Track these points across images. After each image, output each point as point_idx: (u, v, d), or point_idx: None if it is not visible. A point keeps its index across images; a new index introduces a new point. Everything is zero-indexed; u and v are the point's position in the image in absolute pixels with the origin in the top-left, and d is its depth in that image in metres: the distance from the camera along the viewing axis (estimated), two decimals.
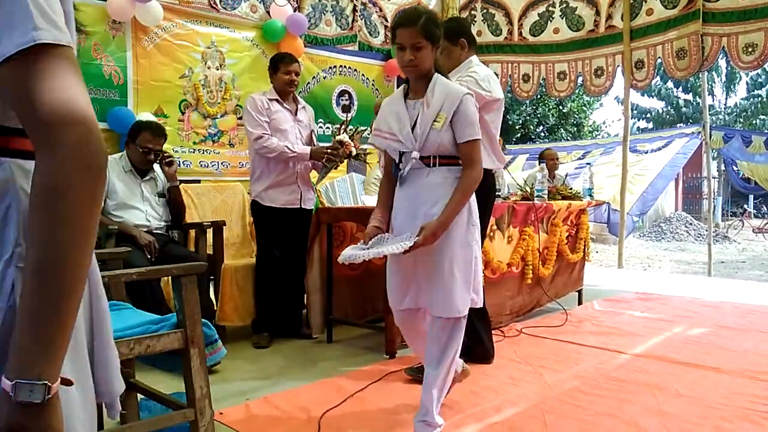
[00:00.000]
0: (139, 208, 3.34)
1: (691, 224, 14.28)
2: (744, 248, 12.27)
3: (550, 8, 6.66)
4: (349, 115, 5.48)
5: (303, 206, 3.56)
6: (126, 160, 3.37)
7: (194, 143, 4.66)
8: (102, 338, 0.84)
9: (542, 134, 21.49)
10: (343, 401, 2.50)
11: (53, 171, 0.63)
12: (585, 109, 21.73)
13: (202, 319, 1.81)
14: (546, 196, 4.07)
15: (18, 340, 0.63)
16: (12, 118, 0.70)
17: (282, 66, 3.51)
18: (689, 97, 24.10)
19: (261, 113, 3.42)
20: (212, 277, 3.55)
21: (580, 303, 4.66)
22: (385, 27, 6.03)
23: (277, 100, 3.52)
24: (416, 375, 2.69)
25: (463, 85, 2.29)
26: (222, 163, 4.82)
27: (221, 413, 2.34)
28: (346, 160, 3.74)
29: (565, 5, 6.57)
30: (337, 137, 3.58)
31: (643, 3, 6.15)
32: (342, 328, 3.67)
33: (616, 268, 7.12)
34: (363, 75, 5.91)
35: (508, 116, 19.84)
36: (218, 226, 3.58)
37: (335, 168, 3.67)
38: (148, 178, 3.43)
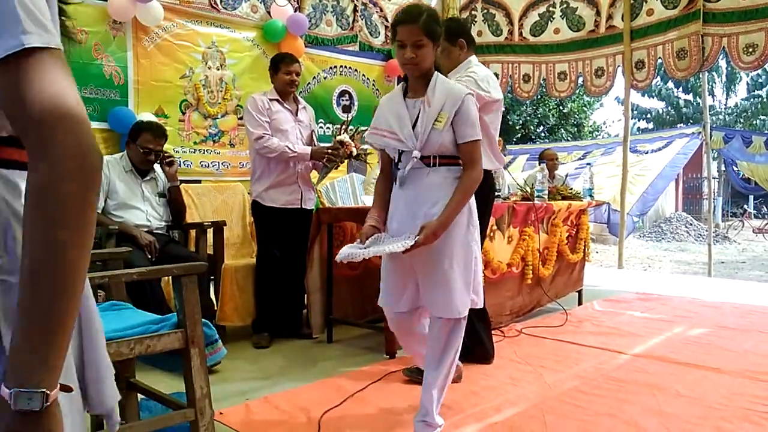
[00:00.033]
0: (140, 208, 3.34)
1: (691, 224, 14.28)
2: (744, 249, 12.27)
3: (551, 8, 6.66)
4: (350, 115, 5.49)
5: (303, 206, 3.56)
6: (126, 160, 3.38)
7: (195, 143, 4.66)
8: (90, 338, 0.81)
9: (543, 134, 21.50)
10: (343, 401, 2.50)
11: (45, 170, 0.61)
12: (585, 109, 21.73)
13: (203, 319, 1.81)
14: (546, 197, 4.07)
15: (15, 347, 0.62)
16: None
17: (282, 66, 3.51)
18: (689, 97, 24.11)
19: (262, 113, 3.43)
20: (213, 277, 3.55)
21: (580, 303, 4.66)
22: (386, 27, 6.03)
23: (277, 101, 3.52)
24: (414, 376, 2.70)
25: (462, 85, 2.28)
26: (222, 163, 4.82)
27: (221, 413, 2.34)
28: (346, 161, 3.75)
29: (565, 5, 6.58)
30: (338, 137, 3.58)
31: (644, 3, 6.15)
32: (342, 328, 3.67)
33: (616, 269, 7.12)
34: (363, 75, 5.92)
35: (508, 116, 19.84)
36: (219, 226, 3.58)
37: (336, 168, 3.67)
38: (148, 178, 3.43)
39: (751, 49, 5.46)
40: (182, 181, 3.72)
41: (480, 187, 2.12)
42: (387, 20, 6.01)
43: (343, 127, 3.69)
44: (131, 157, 3.37)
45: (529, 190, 4.17)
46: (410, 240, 1.92)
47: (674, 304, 4.75)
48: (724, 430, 2.25)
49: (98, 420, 2.13)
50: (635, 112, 23.92)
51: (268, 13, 5.08)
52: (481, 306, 2.23)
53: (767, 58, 5.40)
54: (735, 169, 14.79)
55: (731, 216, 19.14)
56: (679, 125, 21.09)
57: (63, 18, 0.77)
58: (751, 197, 20.01)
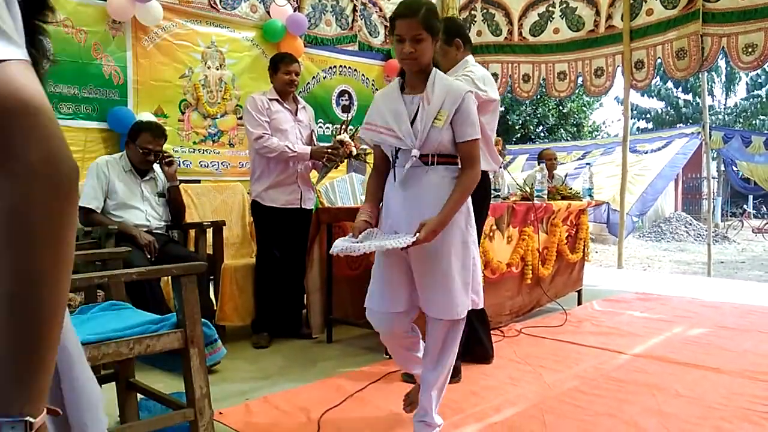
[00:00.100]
0: (139, 208, 3.34)
1: (690, 224, 14.29)
2: (743, 248, 12.28)
3: (550, 8, 6.66)
4: (349, 115, 5.49)
5: (303, 206, 3.56)
6: (126, 160, 3.38)
7: (194, 143, 4.66)
8: (66, 355, 0.72)
9: (542, 134, 21.50)
10: (343, 401, 2.50)
11: (8, 189, 0.53)
12: (585, 109, 21.74)
13: (202, 319, 1.81)
14: (546, 197, 4.07)
15: None
16: None
17: (282, 66, 3.51)
18: (689, 97, 24.13)
19: (261, 113, 3.43)
20: (212, 277, 3.55)
21: (579, 303, 4.66)
22: (385, 27, 6.03)
23: (277, 100, 3.52)
24: (412, 381, 2.68)
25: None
26: (222, 163, 4.82)
27: (221, 413, 2.34)
28: (346, 160, 3.75)
29: (565, 5, 6.58)
30: (338, 137, 3.58)
31: (643, 3, 6.16)
32: (342, 328, 3.67)
33: (615, 269, 7.12)
34: (363, 75, 5.92)
35: (507, 116, 19.86)
36: (218, 226, 3.58)
37: (335, 168, 3.68)
38: (148, 177, 3.43)
39: (750, 49, 5.46)
40: (182, 181, 3.72)
41: (476, 188, 2.07)
42: (386, 20, 6.01)
43: (343, 126, 3.69)
44: (131, 157, 3.37)
45: (528, 189, 4.17)
46: (411, 237, 1.87)
47: (674, 304, 4.75)
48: (723, 430, 2.25)
49: None
50: (635, 112, 23.94)
51: (268, 12, 5.08)
52: (482, 306, 2.21)
53: (766, 58, 5.41)
54: (734, 169, 14.79)
55: (731, 216, 19.15)
56: (678, 125, 21.12)
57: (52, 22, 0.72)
58: (751, 197, 20.03)
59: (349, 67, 5.80)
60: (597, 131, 23.08)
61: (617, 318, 4.20)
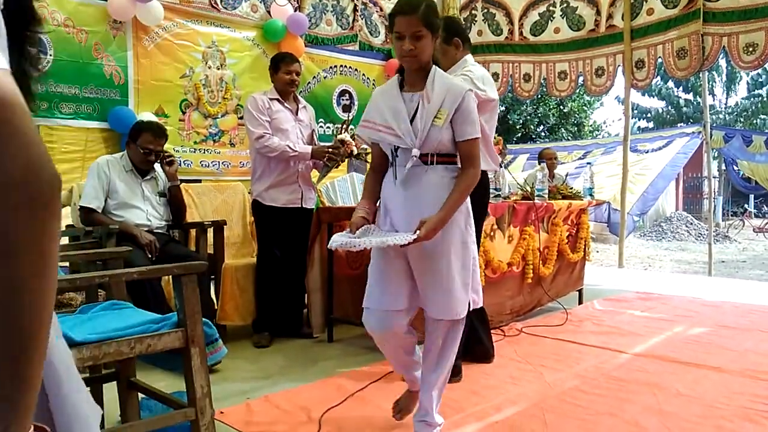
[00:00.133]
0: (140, 208, 3.34)
1: (691, 224, 14.27)
2: (744, 248, 12.27)
3: (551, 8, 6.66)
4: (350, 114, 5.49)
5: (304, 206, 3.56)
6: (127, 159, 3.38)
7: (195, 143, 4.66)
8: (52, 371, 0.68)
9: (543, 134, 21.49)
10: (344, 401, 2.51)
11: None
12: (585, 108, 21.72)
13: (203, 319, 1.81)
14: (546, 196, 4.07)
15: None
16: None
17: (283, 66, 3.51)
18: (690, 96, 24.11)
19: (262, 113, 3.43)
20: (213, 277, 3.55)
21: (580, 302, 4.66)
22: (386, 27, 6.03)
23: (278, 100, 3.52)
24: None
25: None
26: (223, 163, 4.82)
27: (222, 412, 2.34)
28: (347, 160, 3.74)
29: (565, 5, 6.58)
30: (339, 136, 3.58)
31: (644, 3, 6.15)
32: (342, 327, 3.67)
33: (616, 268, 7.12)
34: (363, 75, 5.92)
35: (508, 116, 19.85)
36: (219, 226, 3.58)
37: (336, 167, 3.67)
38: (148, 177, 3.43)
39: (751, 49, 5.46)
40: (182, 181, 3.72)
41: (475, 187, 2.05)
42: (387, 19, 6.02)
43: (344, 126, 3.69)
44: (131, 156, 3.37)
45: (529, 189, 4.17)
46: (411, 234, 1.85)
47: (675, 303, 4.75)
48: (724, 429, 2.24)
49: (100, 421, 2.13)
50: (635, 111, 23.93)
51: (268, 12, 5.09)
52: (481, 305, 2.21)
53: (767, 57, 5.40)
54: (735, 168, 14.80)
55: (732, 215, 19.15)
56: (679, 124, 21.11)
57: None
58: (752, 196, 20.00)
59: (350, 67, 5.80)
60: (598, 131, 23.07)
61: (618, 317, 4.19)
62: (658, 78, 20.35)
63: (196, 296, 1.77)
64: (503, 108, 19.44)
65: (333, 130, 5.37)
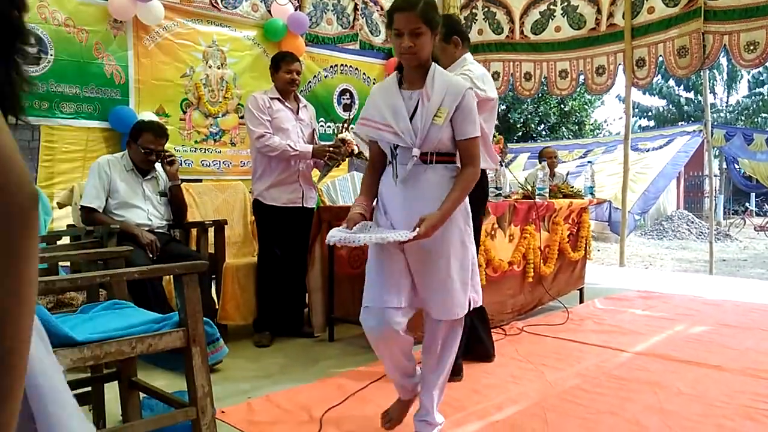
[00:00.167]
0: (141, 207, 3.35)
1: (692, 222, 14.26)
2: (745, 246, 12.25)
3: (552, 6, 6.65)
4: (351, 113, 5.48)
5: (305, 205, 3.56)
6: (127, 159, 3.38)
7: (196, 142, 4.66)
8: (37, 392, 0.67)
9: (544, 133, 21.48)
10: (345, 400, 2.51)
11: None
12: (586, 107, 21.71)
13: (204, 318, 1.81)
14: (547, 195, 4.07)
15: None
16: None
17: (283, 65, 3.51)
18: (691, 95, 24.09)
19: (263, 112, 3.43)
20: (214, 276, 3.56)
21: (581, 301, 4.66)
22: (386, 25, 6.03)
23: (278, 99, 3.52)
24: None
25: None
26: (223, 162, 4.82)
27: (223, 412, 2.34)
28: (347, 159, 3.74)
29: (566, 3, 6.57)
30: (339, 135, 3.58)
31: (645, 1, 6.15)
32: (343, 326, 3.66)
33: (617, 267, 7.11)
34: (364, 74, 5.91)
35: (509, 115, 19.85)
36: (220, 225, 3.58)
37: (337, 166, 3.67)
38: (149, 177, 3.43)
39: (752, 47, 5.45)
40: (183, 180, 3.72)
41: (474, 186, 2.03)
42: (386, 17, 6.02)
43: (344, 125, 3.69)
44: (132, 156, 3.38)
45: (530, 188, 4.17)
46: (411, 232, 1.83)
47: (676, 302, 4.75)
48: (725, 428, 2.24)
49: (101, 419, 2.14)
50: (636, 110, 23.89)
51: (269, 11, 5.09)
52: (481, 304, 2.21)
53: None
54: (736, 166, 14.79)
55: (733, 214, 19.11)
56: (680, 123, 21.09)
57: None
58: (753, 195, 19.99)
59: (351, 66, 5.80)
60: (598, 129, 23.05)
61: (619, 316, 4.19)
62: (659, 76, 20.30)
63: (197, 296, 1.77)
64: (504, 107, 19.43)
65: (334, 130, 5.37)
